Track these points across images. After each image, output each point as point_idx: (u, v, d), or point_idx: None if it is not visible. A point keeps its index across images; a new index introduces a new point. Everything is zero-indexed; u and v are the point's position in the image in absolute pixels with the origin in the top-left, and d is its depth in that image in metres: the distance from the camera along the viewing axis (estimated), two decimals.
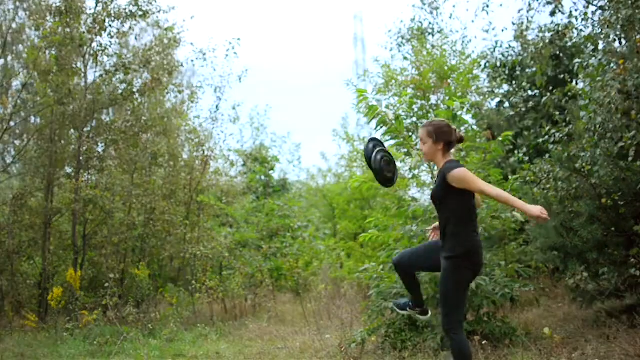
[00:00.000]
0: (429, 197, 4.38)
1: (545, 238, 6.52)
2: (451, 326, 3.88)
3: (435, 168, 6.46)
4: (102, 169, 9.89)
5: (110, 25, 9.76)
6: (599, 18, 6.75)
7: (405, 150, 7.25)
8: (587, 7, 7.40)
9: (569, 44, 10.33)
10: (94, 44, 9.79)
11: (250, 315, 10.10)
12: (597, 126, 6.07)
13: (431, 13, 13.46)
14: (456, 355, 3.88)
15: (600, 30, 6.66)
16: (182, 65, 10.68)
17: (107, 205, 9.51)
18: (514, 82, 11.19)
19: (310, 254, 12.95)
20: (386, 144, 7.75)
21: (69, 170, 10.11)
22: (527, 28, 10.27)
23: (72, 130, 10.07)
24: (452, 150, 4.21)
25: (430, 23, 13.41)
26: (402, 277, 4.38)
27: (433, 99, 8.32)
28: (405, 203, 6.74)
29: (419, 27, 13.20)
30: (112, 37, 9.87)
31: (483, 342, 5.49)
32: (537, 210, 3.69)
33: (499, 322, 6.05)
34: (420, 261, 4.27)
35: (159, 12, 10.04)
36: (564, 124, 8.00)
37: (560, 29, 9.95)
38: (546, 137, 7.99)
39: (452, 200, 3.99)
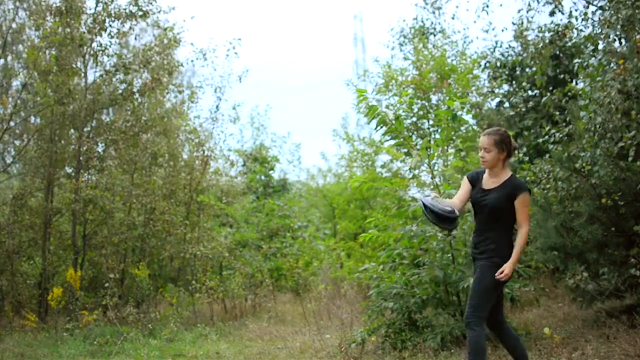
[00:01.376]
0: (478, 200, 4.41)
1: (545, 238, 6.52)
2: (474, 319, 4.18)
3: (436, 168, 6.43)
4: (102, 169, 9.89)
5: (110, 25, 9.76)
6: (599, 18, 6.75)
7: (405, 150, 7.26)
8: (587, 7, 7.39)
9: (569, 44, 10.33)
10: (94, 44, 9.79)
11: (250, 315, 10.09)
12: (597, 126, 6.07)
13: (433, 13, 13.46)
14: (472, 347, 4.13)
15: (600, 30, 6.65)
16: (182, 65, 10.67)
17: (107, 205, 9.51)
18: (514, 82, 11.18)
19: (310, 254, 12.95)
20: (386, 144, 7.77)
21: (69, 170, 10.11)
22: (527, 28, 10.27)
23: (72, 130, 10.07)
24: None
25: (432, 23, 13.42)
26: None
27: (433, 99, 8.33)
28: (405, 203, 6.74)
29: (421, 26, 13.20)
30: (112, 37, 9.87)
31: None
32: (507, 267, 4.16)
33: None
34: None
35: (159, 12, 10.04)
36: (564, 124, 7.99)
37: (560, 29, 9.94)
38: (546, 137, 7.98)
39: (508, 212, 4.28)
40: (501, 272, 4.17)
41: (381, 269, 6.60)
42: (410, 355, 5.74)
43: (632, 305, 6.34)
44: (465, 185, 4.52)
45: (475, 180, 4.49)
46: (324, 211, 17.24)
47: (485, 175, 4.46)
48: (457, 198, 4.52)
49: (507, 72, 11.14)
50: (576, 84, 9.81)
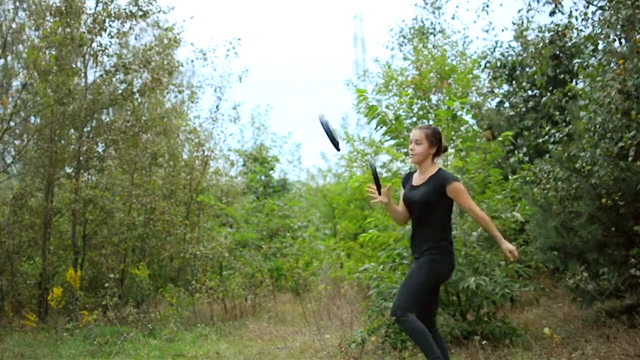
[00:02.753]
0: (408, 197, 4.36)
1: (545, 238, 6.52)
2: (401, 312, 4.04)
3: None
4: (102, 169, 9.89)
5: (110, 25, 9.76)
6: (599, 18, 6.75)
7: (405, 150, 7.24)
8: (587, 7, 7.39)
9: (569, 44, 10.33)
10: (94, 44, 9.78)
11: (250, 315, 10.09)
12: (597, 126, 6.07)
13: (433, 13, 13.47)
14: (414, 335, 4.06)
15: (600, 30, 6.65)
16: (182, 65, 10.67)
17: (107, 205, 9.51)
18: (514, 82, 11.18)
19: (310, 254, 12.95)
20: (386, 144, 7.76)
21: (69, 170, 10.11)
22: (527, 28, 10.28)
23: (72, 130, 10.07)
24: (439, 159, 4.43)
25: (432, 23, 13.42)
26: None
27: (433, 99, 8.33)
28: None
29: (421, 26, 13.21)
30: (112, 37, 9.87)
31: (483, 342, 5.49)
32: (507, 248, 4.12)
33: (499, 322, 6.05)
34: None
35: (159, 12, 10.04)
36: (564, 124, 8.00)
37: (560, 29, 9.94)
38: (546, 137, 7.99)
39: (442, 207, 4.26)
40: (511, 253, 4.09)
41: (381, 269, 6.59)
42: (410, 355, 5.74)
43: (632, 305, 6.34)
44: (402, 191, 4.51)
45: (406, 182, 4.50)
46: (324, 211, 17.25)
47: (416, 174, 4.46)
48: (400, 206, 4.48)
49: (507, 72, 11.15)
50: (576, 84, 9.82)
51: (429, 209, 4.24)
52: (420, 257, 4.23)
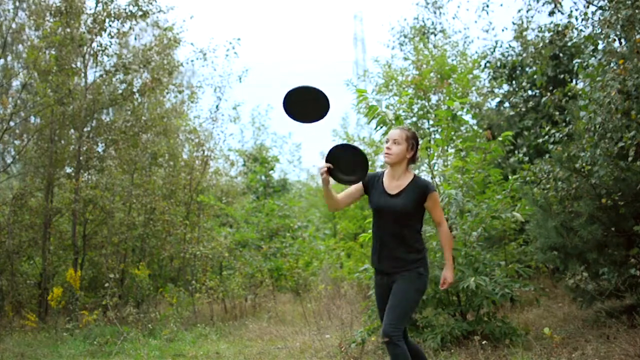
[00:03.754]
0: (383, 205, 4.01)
1: (545, 238, 6.52)
2: (399, 333, 3.79)
3: (436, 168, 6.39)
4: (102, 169, 9.90)
5: (110, 25, 9.77)
6: (599, 18, 6.74)
7: None
8: (587, 7, 7.39)
9: (569, 44, 10.33)
10: (94, 44, 9.80)
11: (250, 315, 10.09)
12: (597, 126, 6.07)
13: (434, 12, 13.48)
14: None
15: (600, 30, 6.65)
16: (182, 65, 10.68)
17: (107, 205, 9.52)
18: (514, 82, 11.18)
19: (310, 254, 12.94)
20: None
21: (69, 170, 10.11)
22: (527, 28, 10.27)
23: (72, 130, 10.08)
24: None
25: (433, 22, 13.43)
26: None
27: (433, 99, 8.32)
28: None
29: (422, 26, 13.21)
30: (112, 37, 9.88)
31: (483, 342, 5.49)
32: (445, 274, 4.01)
33: (499, 322, 6.05)
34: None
35: (158, 12, 10.05)
36: (564, 124, 8.00)
37: (560, 29, 9.94)
38: (546, 137, 7.98)
39: (418, 216, 4.02)
40: (444, 282, 4.00)
41: None
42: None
43: (632, 305, 6.34)
44: (357, 186, 4.11)
45: (372, 183, 4.08)
46: (324, 211, 17.24)
47: (386, 179, 4.07)
48: (344, 193, 4.13)
49: (507, 72, 11.15)
50: (576, 84, 9.82)
51: (409, 218, 3.97)
52: (402, 272, 3.92)
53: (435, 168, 7.04)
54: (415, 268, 3.93)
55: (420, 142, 4.19)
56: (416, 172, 7.22)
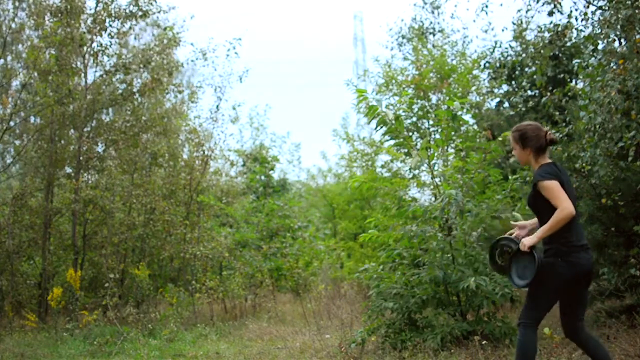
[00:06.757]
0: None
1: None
2: (526, 320, 3.94)
3: (436, 168, 6.38)
4: (102, 169, 9.90)
5: (110, 25, 9.77)
6: (599, 18, 6.74)
7: (405, 150, 7.25)
8: (587, 7, 7.38)
9: (569, 44, 10.33)
10: (94, 44, 9.80)
11: (250, 315, 10.09)
12: (597, 126, 6.07)
13: (432, 12, 13.46)
14: (519, 349, 3.92)
15: (600, 30, 6.65)
16: (182, 65, 10.68)
17: (107, 205, 9.52)
18: (513, 82, 11.18)
19: (310, 254, 12.95)
20: (386, 144, 7.76)
21: (69, 170, 10.12)
22: (526, 28, 10.27)
23: (72, 130, 10.08)
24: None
25: (431, 22, 13.42)
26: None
27: (433, 99, 8.34)
28: (405, 203, 6.73)
29: (420, 26, 13.20)
30: (112, 37, 9.88)
31: (483, 342, 5.49)
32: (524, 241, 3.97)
33: (499, 322, 6.05)
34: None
35: (159, 12, 10.05)
36: (564, 124, 7.99)
37: (559, 29, 9.93)
38: None
39: (546, 207, 3.94)
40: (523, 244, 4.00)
41: (381, 269, 6.59)
42: (410, 355, 5.74)
43: (632, 305, 6.34)
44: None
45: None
46: (324, 211, 17.25)
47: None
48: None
49: (506, 72, 11.15)
50: (576, 84, 9.82)
51: (536, 211, 4.10)
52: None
53: (435, 168, 7.03)
54: (546, 255, 3.99)
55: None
56: (416, 172, 7.23)
